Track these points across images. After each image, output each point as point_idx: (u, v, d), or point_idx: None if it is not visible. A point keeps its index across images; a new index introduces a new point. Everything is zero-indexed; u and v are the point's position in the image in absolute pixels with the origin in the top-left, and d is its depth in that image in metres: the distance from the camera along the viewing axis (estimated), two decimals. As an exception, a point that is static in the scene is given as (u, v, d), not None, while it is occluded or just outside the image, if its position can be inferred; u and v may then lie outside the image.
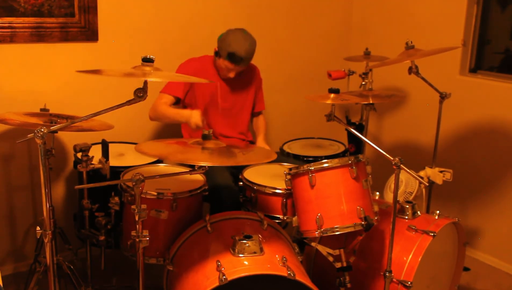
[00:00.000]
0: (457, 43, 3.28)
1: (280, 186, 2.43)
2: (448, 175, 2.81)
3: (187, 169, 2.52)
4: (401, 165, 2.06)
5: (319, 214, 2.13)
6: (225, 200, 2.53)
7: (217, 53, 2.82)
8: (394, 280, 2.17)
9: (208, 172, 2.50)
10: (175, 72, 2.87)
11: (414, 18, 3.53)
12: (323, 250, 2.23)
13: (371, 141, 2.25)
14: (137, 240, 1.88)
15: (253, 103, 3.10)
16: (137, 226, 1.86)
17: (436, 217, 2.37)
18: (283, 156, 3.10)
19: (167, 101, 2.82)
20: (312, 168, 2.14)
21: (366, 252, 2.34)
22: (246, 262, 1.93)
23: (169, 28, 3.18)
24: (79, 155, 2.34)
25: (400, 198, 2.78)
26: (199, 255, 2.06)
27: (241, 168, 2.66)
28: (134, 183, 1.85)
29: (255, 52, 2.81)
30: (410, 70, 2.72)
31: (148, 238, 1.88)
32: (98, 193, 2.46)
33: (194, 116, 2.65)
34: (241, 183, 2.57)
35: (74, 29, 2.86)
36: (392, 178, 2.86)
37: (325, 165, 2.14)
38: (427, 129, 3.42)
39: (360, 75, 3.18)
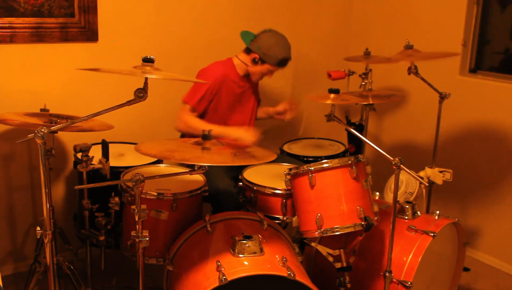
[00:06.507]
0: (457, 43, 3.28)
1: (280, 186, 2.43)
2: (448, 175, 2.81)
3: (187, 169, 2.52)
4: (401, 165, 2.06)
5: (319, 214, 2.12)
6: (227, 206, 2.53)
7: (255, 61, 2.80)
8: (394, 280, 2.17)
9: (209, 177, 2.50)
10: (199, 76, 2.82)
11: (414, 18, 3.53)
12: (323, 250, 2.23)
13: (371, 141, 2.25)
14: (137, 240, 1.87)
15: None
16: (137, 226, 1.86)
17: (436, 217, 2.37)
18: (283, 156, 3.10)
19: (193, 112, 2.78)
20: (312, 168, 2.14)
21: (366, 252, 2.34)
22: (246, 262, 1.93)
23: (169, 28, 3.17)
24: (79, 155, 2.34)
25: (401, 199, 2.78)
26: (199, 255, 2.06)
27: (240, 170, 2.65)
28: (134, 183, 1.85)
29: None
30: (409, 70, 2.72)
31: (148, 239, 1.88)
32: (98, 193, 2.47)
33: (248, 133, 2.64)
34: (240, 183, 2.57)
35: (74, 29, 2.86)
36: (392, 178, 2.86)
37: (325, 165, 2.14)
38: (427, 129, 3.41)
39: (360, 75, 3.18)
